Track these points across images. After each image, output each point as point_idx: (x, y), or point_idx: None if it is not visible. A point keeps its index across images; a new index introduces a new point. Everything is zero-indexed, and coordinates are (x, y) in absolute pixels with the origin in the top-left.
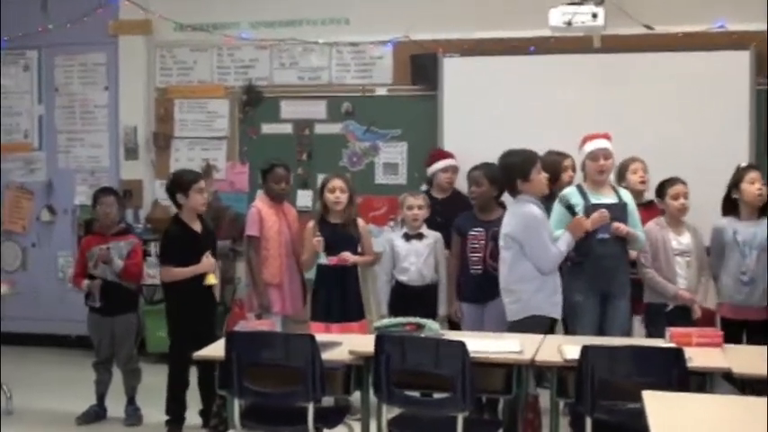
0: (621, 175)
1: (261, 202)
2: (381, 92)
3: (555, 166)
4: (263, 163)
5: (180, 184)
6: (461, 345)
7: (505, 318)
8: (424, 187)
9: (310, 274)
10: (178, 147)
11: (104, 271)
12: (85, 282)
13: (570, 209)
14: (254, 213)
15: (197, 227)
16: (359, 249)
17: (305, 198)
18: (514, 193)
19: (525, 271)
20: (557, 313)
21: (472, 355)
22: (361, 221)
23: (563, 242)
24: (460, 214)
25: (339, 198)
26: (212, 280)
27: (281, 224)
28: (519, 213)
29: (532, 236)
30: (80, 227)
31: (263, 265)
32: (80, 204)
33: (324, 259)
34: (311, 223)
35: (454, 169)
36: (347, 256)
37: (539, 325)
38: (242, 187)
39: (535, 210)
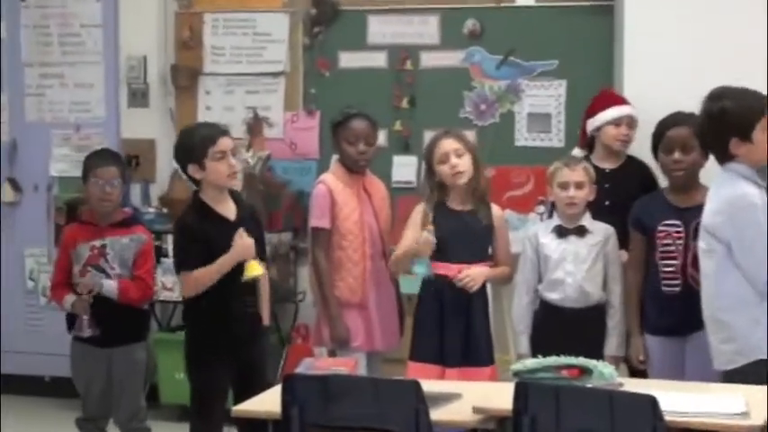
0: None
1: (332, 177)
2: (526, 1)
3: None
4: (337, 113)
5: (189, 148)
6: (650, 401)
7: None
8: (577, 151)
9: (410, 288)
10: (210, 88)
11: (97, 280)
12: (68, 297)
13: None
14: (321, 194)
15: (228, 211)
16: (489, 251)
17: (406, 168)
18: (723, 158)
19: (740, 290)
20: None
21: (668, 416)
22: (495, 208)
23: None
24: (641, 198)
25: (456, 166)
26: (256, 270)
27: (364, 210)
28: (724, 198)
29: (746, 234)
30: (59, 211)
31: (338, 273)
32: (59, 176)
33: (425, 269)
34: (421, 207)
35: (630, 122)
36: (472, 278)
37: (764, 375)
38: (308, 151)
39: (750, 192)
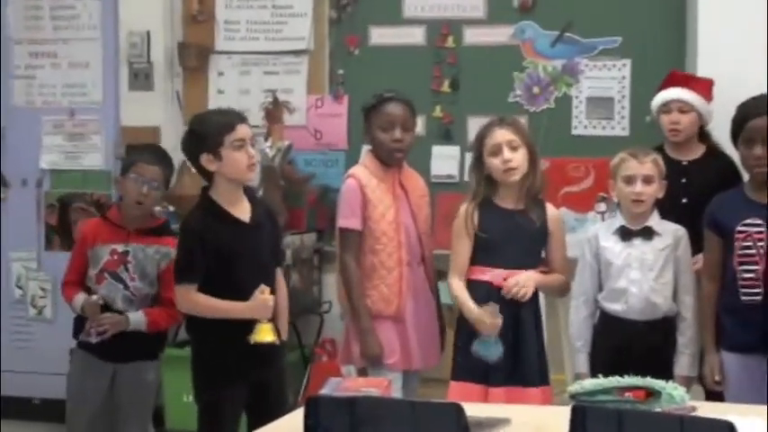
0: None
1: (364, 170)
2: None
3: None
4: (369, 97)
5: (203, 136)
6: (728, 427)
7: None
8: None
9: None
10: (223, 69)
11: (113, 291)
12: (78, 297)
13: None
14: (351, 189)
15: (242, 211)
16: (542, 255)
17: (447, 161)
18: None
19: None
20: None
21: None
22: (550, 208)
23: None
24: (718, 195)
25: (510, 161)
26: (266, 335)
27: (400, 209)
28: None
29: None
30: (50, 209)
31: (370, 281)
32: (50, 169)
33: (494, 351)
34: (465, 207)
35: (683, 107)
36: (521, 286)
37: None
38: (335, 141)
39: None
